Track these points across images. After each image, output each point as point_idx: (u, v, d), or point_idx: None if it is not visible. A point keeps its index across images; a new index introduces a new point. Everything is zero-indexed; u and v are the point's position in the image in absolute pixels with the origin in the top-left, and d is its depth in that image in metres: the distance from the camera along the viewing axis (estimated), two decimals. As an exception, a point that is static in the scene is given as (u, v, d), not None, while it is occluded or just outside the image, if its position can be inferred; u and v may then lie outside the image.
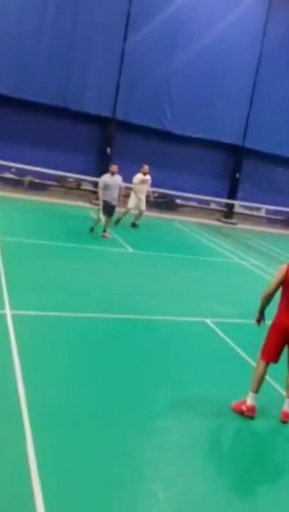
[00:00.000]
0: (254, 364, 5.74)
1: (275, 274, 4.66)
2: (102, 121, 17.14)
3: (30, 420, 4.01)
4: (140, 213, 13.48)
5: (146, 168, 13.39)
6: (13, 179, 16.77)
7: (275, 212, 20.54)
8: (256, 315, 4.81)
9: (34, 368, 4.90)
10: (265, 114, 18.58)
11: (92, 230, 11.65)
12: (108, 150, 17.29)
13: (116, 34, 16.40)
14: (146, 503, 3.46)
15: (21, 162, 15.60)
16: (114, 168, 11.54)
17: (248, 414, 4.68)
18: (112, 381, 4.97)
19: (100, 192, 11.42)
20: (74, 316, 6.54)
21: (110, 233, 11.72)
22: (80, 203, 16.96)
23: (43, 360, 5.13)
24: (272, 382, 5.33)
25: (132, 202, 13.42)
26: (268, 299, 4.67)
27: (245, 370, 5.43)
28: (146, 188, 13.54)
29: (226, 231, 16.98)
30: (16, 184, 16.74)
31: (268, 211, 20.53)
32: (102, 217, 11.32)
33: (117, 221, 12.23)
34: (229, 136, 18.56)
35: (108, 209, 11.39)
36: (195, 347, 6.07)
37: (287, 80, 18.64)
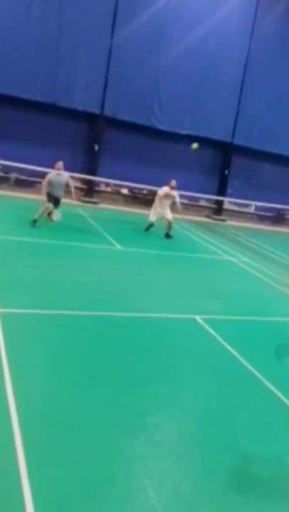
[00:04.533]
0: (243, 361, 5.71)
1: None
2: (90, 118, 17.00)
3: (19, 417, 3.94)
4: (169, 223, 12.70)
5: (173, 182, 12.71)
6: (-1, 176, 16.57)
7: (264, 209, 20.57)
8: None
9: (23, 365, 4.82)
10: (254, 110, 18.58)
11: (35, 222, 11.11)
12: (96, 147, 17.16)
13: (103, 29, 16.27)
14: (136, 500, 3.41)
15: (7, 159, 15.41)
16: (59, 165, 11.54)
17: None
18: (100, 378, 4.90)
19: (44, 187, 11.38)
20: (62, 313, 6.44)
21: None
22: (68, 200, 16.78)
23: (31, 358, 5.04)
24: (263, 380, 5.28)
25: (152, 215, 12.82)
26: None
27: (235, 366, 5.37)
28: (170, 202, 12.82)
29: (215, 228, 16.95)
30: (1, 181, 16.54)
31: (257, 208, 20.55)
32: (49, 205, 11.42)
33: (34, 221, 11.14)
34: (218, 132, 18.52)
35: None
36: (184, 344, 6.04)
37: (275, 76, 18.65)
